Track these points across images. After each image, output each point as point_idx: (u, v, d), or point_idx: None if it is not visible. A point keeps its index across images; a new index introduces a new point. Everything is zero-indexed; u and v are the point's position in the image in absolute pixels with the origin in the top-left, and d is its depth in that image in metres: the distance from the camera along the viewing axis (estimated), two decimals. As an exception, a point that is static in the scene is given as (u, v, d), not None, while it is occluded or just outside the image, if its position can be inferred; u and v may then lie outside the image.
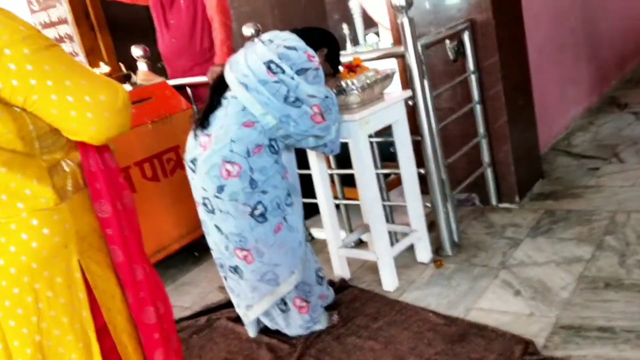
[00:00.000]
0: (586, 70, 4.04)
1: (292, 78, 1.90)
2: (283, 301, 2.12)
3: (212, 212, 1.96)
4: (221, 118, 1.94)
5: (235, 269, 2.03)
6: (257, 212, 1.91)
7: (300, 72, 1.92)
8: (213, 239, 2.05)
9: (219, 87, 2.00)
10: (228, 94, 1.97)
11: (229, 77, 1.96)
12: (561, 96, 3.70)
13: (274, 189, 1.93)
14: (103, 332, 1.33)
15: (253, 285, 2.03)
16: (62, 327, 1.29)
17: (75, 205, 1.28)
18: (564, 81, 3.74)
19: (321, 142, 2.06)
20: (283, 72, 1.90)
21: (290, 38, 1.99)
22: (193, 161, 1.97)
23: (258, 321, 2.25)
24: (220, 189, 1.89)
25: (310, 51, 1.96)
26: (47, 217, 1.24)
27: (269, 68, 1.89)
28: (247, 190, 1.89)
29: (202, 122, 1.97)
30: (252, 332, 2.26)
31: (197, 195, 2.01)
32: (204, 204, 1.98)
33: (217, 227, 1.99)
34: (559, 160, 3.36)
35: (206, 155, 1.91)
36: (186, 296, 2.83)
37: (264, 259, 1.97)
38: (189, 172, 2.01)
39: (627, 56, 4.69)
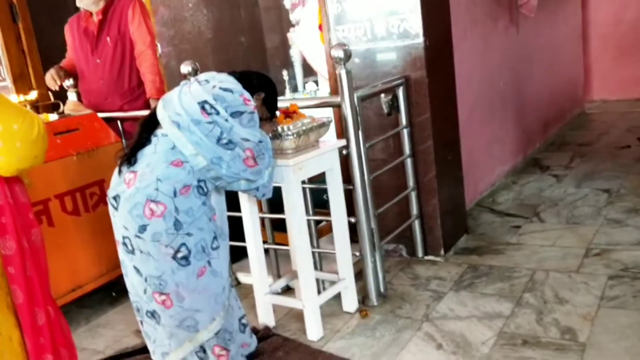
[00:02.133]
0: (512, 132, 4.26)
1: (226, 120, 1.88)
2: (202, 348, 2.03)
3: (132, 252, 1.88)
4: (149, 155, 1.88)
5: (152, 314, 1.94)
6: (180, 255, 1.84)
7: (235, 114, 1.90)
8: (131, 281, 1.95)
9: (150, 124, 1.94)
10: (159, 131, 1.92)
11: (161, 115, 1.91)
12: (488, 155, 3.87)
13: (199, 232, 1.87)
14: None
15: (171, 332, 1.94)
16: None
17: (-24, 240, 1.19)
18: (491, 141, 3.92)
19: (253, 186, 2.04)
20: (217, 113, 1.87)
21: (227, 80, 1.98)
22: (115, 198, 1.88)
23: (174, 369, 2.13)
24: (142, 228, 1.82)
25: (247, 94, 1.96)
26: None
27: (203, 108, 1.87)
28: (170, 232, 1.82)
29: (129, 158, 1.90)
30: (167, 380, 2.13)
31: (118, 234, 1.92)
32: (124, 244, 1.89)
33: (136, 268, 1.90)
34: (484, 217, 3.48)
35: (130, 192, 1.84)
36: (100, 339, 2.67)
37: (184, 304, 1.89)
38: (110, 209, 1.93)
39: (551, 121, 5.00)
